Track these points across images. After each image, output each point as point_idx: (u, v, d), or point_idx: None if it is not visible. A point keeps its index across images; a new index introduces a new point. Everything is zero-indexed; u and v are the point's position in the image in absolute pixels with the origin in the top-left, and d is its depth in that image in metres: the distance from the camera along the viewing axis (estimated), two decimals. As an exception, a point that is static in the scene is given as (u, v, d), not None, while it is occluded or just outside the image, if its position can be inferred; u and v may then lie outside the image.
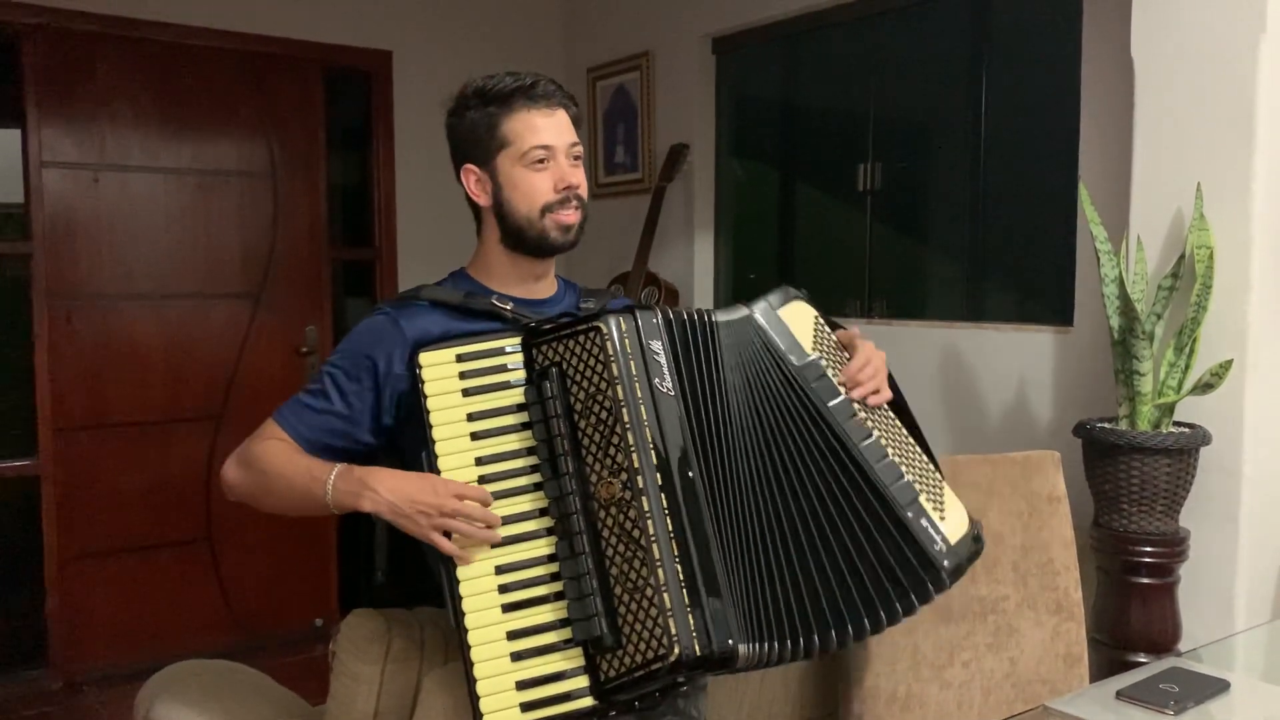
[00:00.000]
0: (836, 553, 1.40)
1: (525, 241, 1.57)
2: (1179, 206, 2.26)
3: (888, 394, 1.52)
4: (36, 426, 3.43)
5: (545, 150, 1.55)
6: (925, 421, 2.95)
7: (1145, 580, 2.17)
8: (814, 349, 1.49)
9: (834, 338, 1.54)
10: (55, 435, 3.45)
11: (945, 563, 1.41)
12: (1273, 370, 2.21)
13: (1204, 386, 2.14)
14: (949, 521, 1.45)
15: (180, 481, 3.68)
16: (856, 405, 1.47)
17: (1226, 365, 2.12)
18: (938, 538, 1.42)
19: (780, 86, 3.82)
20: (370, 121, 4.08)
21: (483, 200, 1.59)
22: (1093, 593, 2.21)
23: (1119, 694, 1.49)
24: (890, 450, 1.46)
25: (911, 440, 1.53)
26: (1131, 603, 2.18)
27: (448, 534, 1.36)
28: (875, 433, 1.46)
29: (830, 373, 1.48)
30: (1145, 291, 2.26)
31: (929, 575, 1.40)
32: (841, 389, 1.48)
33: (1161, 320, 2.23)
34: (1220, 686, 1.53)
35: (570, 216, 1.57)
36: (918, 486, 1.45)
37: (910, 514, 1.41)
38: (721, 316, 1.47)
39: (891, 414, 1.53)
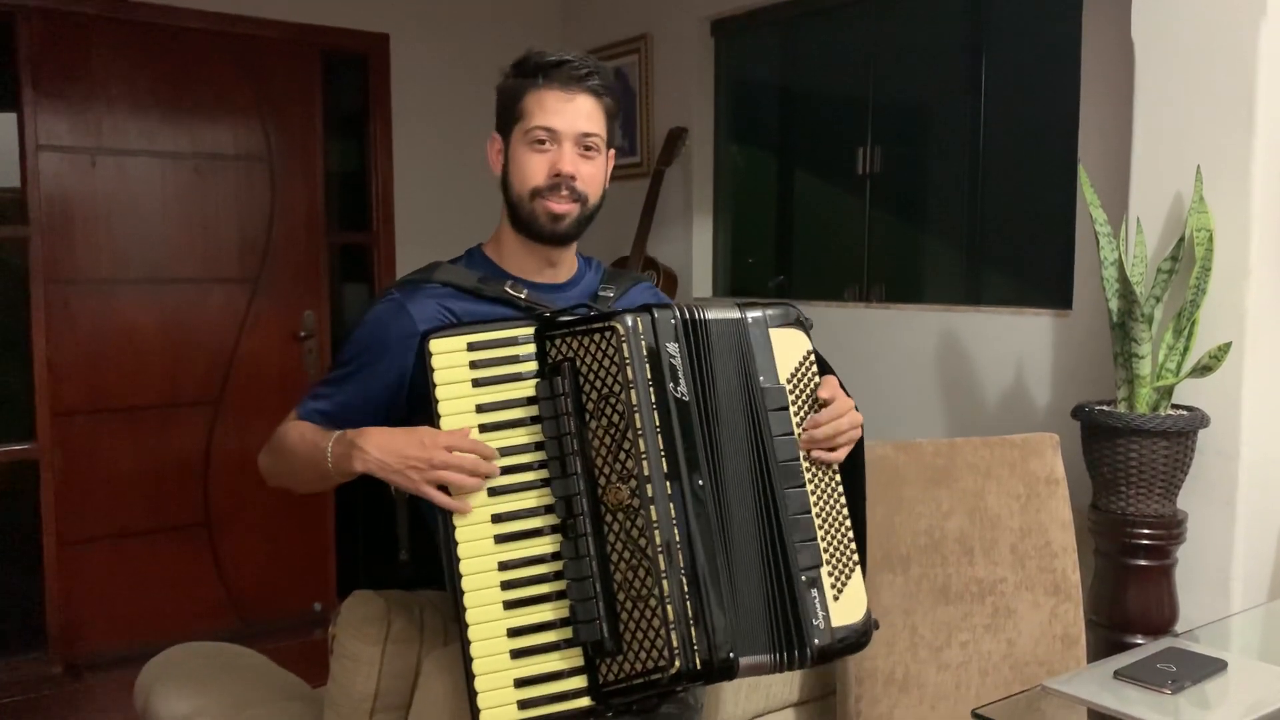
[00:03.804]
0: (743, 585, 1.36)
1: (519, 222, 1.55)
2: (1179, 189, 2.26)
3: (840, 456, 1.44)
4: (35, 411, 3.43)
5: (547, 133, 1.51)
6: (924, 405, 3.01)
7: (1142, 562, 2.18)
8: (789, 380, 1.43)
9: (816, 381, 1.46)
10: (53, 419, 3.45)
11: (815, 640, 1.35)
12: (1271, 353, 2.22)
13: (1202, 369, 2.14)
14: (842, 605, 1.38)
15: (179, 466, 3.68)
16: (803, 451, 1.41)
17: (1225, 348, 2.12)
18: (819, 615, 1.36)
19: (779, 69, 3.81)
20: (368, 105, 4.07)
21: (496, 170, 1.58)
22: (1090, 575, 2.22)
23: (1117, 673, 1.50)
24: (816, 510, 1.40)
25: (846, 514, 1.45)
26: (1129, 585, 2.19)
27: (446, 490, 1.33)
28: (809, 487, 1.40)
29: (792, 410, 1.41)
30: (1144, 274, 2.25)
31: (796, 644, 1.35)
32: (796, 429, 1.41)
33: (1160, 303, 2.23)
34: (1218, 666, 1.54)
35: (560, 206, 1.52)
36: (826, 556, 1.39)
37: (804, 579, 1.36)
38: (712, 314, 1.41)
39: (838, 481, 1.45)
